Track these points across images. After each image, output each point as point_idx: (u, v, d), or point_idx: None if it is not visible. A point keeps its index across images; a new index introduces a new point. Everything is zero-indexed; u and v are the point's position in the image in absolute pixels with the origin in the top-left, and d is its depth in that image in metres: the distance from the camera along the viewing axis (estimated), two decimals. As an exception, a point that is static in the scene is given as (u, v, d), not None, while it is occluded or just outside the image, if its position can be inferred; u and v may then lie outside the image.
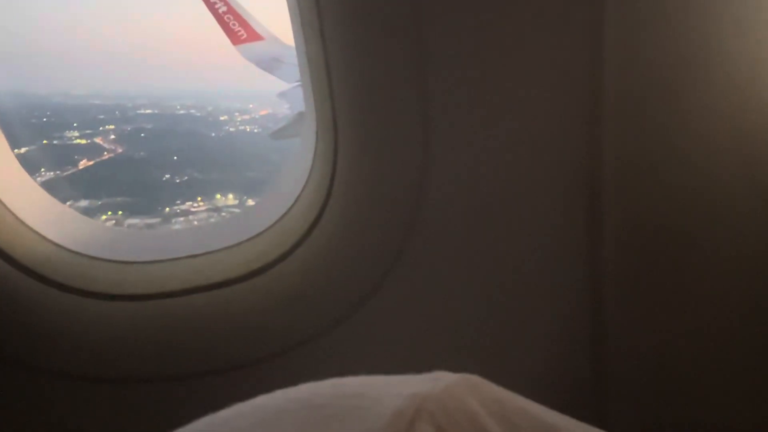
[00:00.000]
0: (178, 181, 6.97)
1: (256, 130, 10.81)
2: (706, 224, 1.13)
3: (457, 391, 0.39)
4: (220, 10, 6.92)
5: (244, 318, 1.18)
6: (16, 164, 1.32)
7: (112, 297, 1.18)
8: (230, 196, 6.46)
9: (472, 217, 1.13)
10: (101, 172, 6.89)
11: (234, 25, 6.93)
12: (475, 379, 0.41)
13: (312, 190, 1.19)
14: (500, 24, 1.05)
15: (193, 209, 6.00)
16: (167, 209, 5.97)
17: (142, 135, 8.82)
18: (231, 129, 10.23)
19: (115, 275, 1.22)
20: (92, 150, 7.62)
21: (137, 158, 7.60)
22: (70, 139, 7.86)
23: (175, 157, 7.70)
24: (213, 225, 1.55)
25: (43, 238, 1.23)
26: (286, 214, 1.23)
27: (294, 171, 1.30)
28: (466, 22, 1.05)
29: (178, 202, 6.16)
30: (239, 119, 10.96)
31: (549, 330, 1.20)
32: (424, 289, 1.16)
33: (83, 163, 6.89)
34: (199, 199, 6.31)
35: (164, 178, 6.96)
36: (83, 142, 7.80)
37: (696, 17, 1.04)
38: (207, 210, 6.01)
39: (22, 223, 1.22)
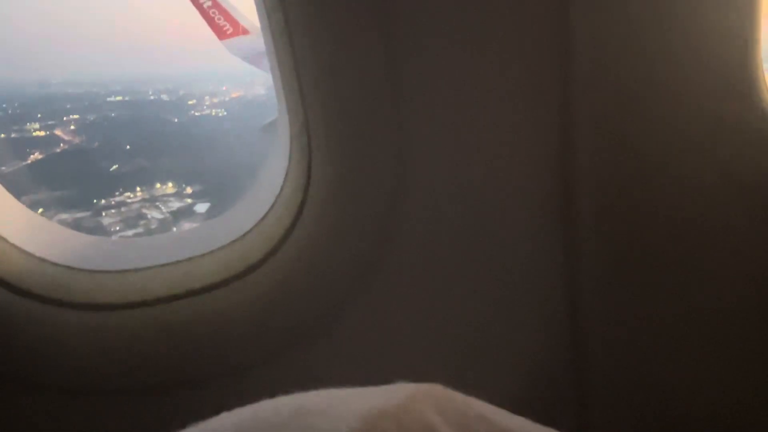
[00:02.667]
0: (125, 171, 7.14)
1: (221, 114, 10.89)
2: (684, 218, 1.14)
3: (415, 404, 0.39)
4: (205, 5, 6.94)
5: (226, 324, 1.18)
6: None
7: (92, 307, 1.18)
8: (169, 184, 6.60)
9: (449, 219, 1.14)
10: (49, 165, 7.08)
11: (219, 19, 6.95)
12: (436, 390, 0.41)
13: (289, 194, 1.20)
14: (472, 26, 1.06)
15: (128, 200, 6.16)
16: (103, 201, 6.14)
17: (105, 124, 8.99)
18: (196, 113, 10.34)
19: (94, 285, 1.21)
20: (49, 142, 7.81)
21: (90, 149, 7.77)
22: (29, 131, 8.06)
23: (128, 146, 7.85)
24: (192, 231, 1.47)
25: (20, 250, 1.21)
26: (264, 217, 1.23)
27: (270, 174, 1.29)
28: (437, 27, 1.05)
29: (117, 193, 6.33)
30: (208, 102, 11.04)
31: (528, 328, 1.21)
32: (405, 284, 1.16)
33: (33, 157, 7.08)
34: (138, 189, 6.47)
35: (112, 169, 7.12)
36: (42, 134, 7.99)
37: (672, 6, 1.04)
38: (141, 201, 6.16)
39: None
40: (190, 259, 1.23)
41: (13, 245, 1.21)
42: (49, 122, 8.77)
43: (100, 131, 8.69)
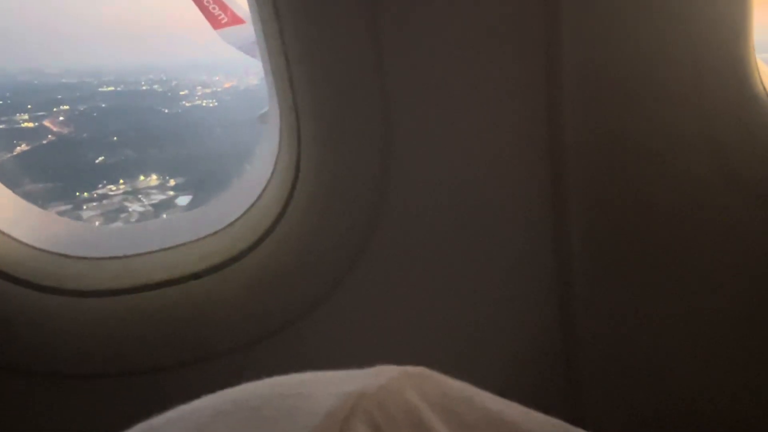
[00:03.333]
0: (111, 162, 7.16)
1: (212, 105, 10.88)
2: (676, 209, 1.12)
3: (397, 385, 0.38)
4: (200, -5, 6.94)
5: (217, 309, 1.17)
6: None
7: (85, 293, 1.17)
8: (153, 176, 6.63)
9: (437, 208, 1.13)
10: (35, 157, 7.12)
11: (214, 9, 6.94)
12: (418, 372, 0.40)
13: (278, 182, 1.18)
14: (461, 18, 1.05)
15: (110, 193, 6.19)
16: (85, 194, 6.18)
17: (95, 114, 9.00)
18: (187, 104, 10.34)
19: (86, 272, 1.20)
20: (37, 133, 7.84)
21: (78, 140, 7.80)
22: (18, 122, 8.09)
23: (115, 138, 7.87)
24: (181, 218, 1.52)
25: (11, 238, 1.21)
26: (254, 204, 1.22)
27: (261, 161, 1.27)
28: (427, 19, 1.05)
29: (100, 186, 6.37)
30: (200, 93, 11.03)
31: (517, 318, 1.19)
32: (392, 274, 1.16)
33: (20, 149, 7.12)
34: (120, 181, 6.50)
35: (97, 161, 7.15)
36: (30, 125, 8.02)
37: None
38: (123, 193, 6.19)
39: None
40: (179, 246, 1.23)
41: (3, 233, 1.20)
42: (39, 113, 8.79)
43: (90, 122, 8.71)
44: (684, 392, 1.20)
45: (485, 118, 1.09)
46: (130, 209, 5.96)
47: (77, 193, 6.18)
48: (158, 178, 6.64)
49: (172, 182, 6.63)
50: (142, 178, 6.63)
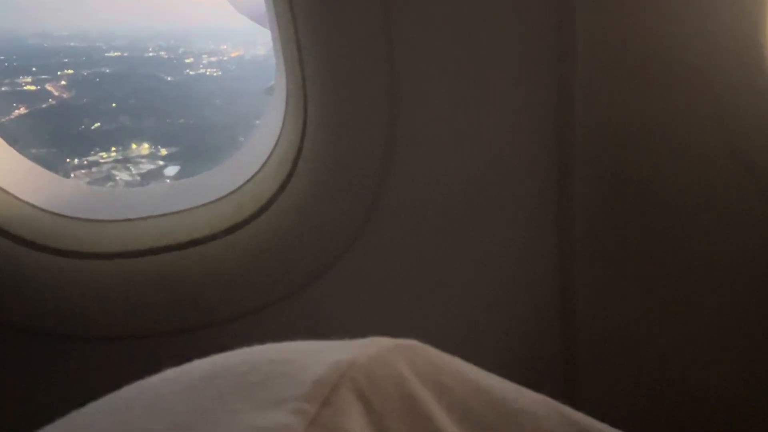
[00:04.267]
0: (106, 129, 7.22)
1: (216, 74, 10.85)
2: (683, 193, 1.13)
3: (387, 356, 0.39)
4: (212, -38, 6.86)
5: (219, 276, 1.22)
6: None
7: (90, 256, 1.23)
8: (145, 145, 6.68)
9: (441, 181, 1.14)
10: (32, 121, 7.20)
11: None
12: (410, 345, 0.41)
13: (283, 150, 1.22)
14: (472, 9, 1.06)
15: (100, 160, 6.25)
16: (76, 161, 6.25)
17: (97, 80, 9.04)
18: (191, 72, 10.32)
19: (92, 234, 1.26)
20: (38, 97, 7.91)
21: (77, 105, 7.86)
22: (21, 85, 8.16)
23: (114, 104, 7.92)
24: (186, 183, 1.54)
25: (13, 196, 1.27)
26: (258, 171, 1.26)
27: (265, 131, 1.31)
28: (434, 8, 1.07)
29: (92, 153, 6.43)
30: (205, 61, 11.00)
31: (516, 296, 1.21)
32: (392, 253, 1.19)
33: (18, 112, 7.20)
34: (113, 149, 6.56)
35: (93, 127, 7.21)
36: (32, 88, 8.08)
37: None
38: (113, 161, 6.24)
39: None
40: (186, 210, 1.26)
41: (12, 195, 1.26)
42: (43, 76, 8.84)
43: (92, 87, 8.74)
44: (686, 390, 1.20)
45: (495, 101, 1.08)
46: (117, 178, 6.02)
47: (67, 160, 6.25)
48: (150, 147, 6.68)
49: (163, 152, 6.67)
50: (134, 146, 6.68)
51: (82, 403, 0.45)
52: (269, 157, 1.25)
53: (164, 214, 1.27)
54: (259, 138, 1.33)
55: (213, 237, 1.20)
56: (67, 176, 5.94)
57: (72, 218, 1.25)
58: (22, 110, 7.56)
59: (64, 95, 8.96)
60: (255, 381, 0.37)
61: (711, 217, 1.11)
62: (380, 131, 1.10)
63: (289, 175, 1.17)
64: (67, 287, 1.20)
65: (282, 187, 1.18)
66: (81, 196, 1.36)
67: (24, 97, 8.16)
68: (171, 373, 0.40)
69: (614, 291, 1.17)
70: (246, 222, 1.20)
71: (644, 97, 1.06)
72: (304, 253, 1.19)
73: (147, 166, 6.29)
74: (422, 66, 1.07)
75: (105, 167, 6.16)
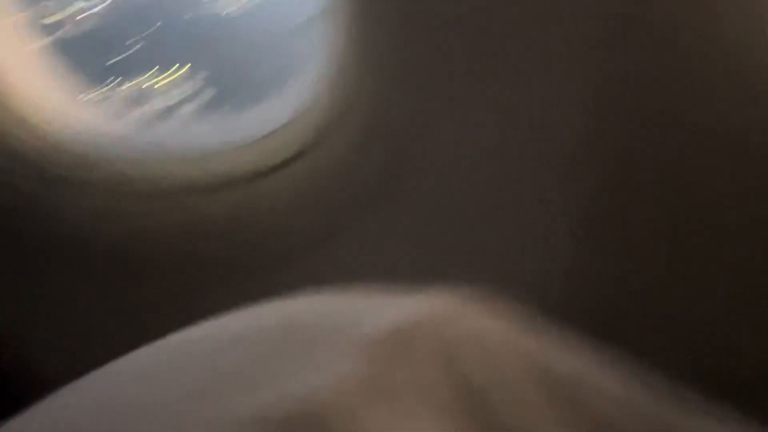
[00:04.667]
0: (133, 57, 7.02)
1: (247, 6, 10.61)
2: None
3: (440, 316, 0.38)
4: None
5: (261, 215, 1.24)
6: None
7: (149, 194, 1.25)
8: (171, 73, 6.49)
9: (471, 158, 1.19)
10: (76, 39, 7.02)
11: None
12: (459, 306, 0.40)
13: (324, 96, 1.23)
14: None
15: (121, 90, 6.09)
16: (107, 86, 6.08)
17: (127, 7, 8.84)
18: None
19: (150, 172, 1.27)
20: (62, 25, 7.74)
21: (97, 36, 7.64)
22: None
23: (135, 35, 7.69)
24: (228, 119, 1.55)
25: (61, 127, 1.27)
26: (296, 115, 1.27)
27: (309, 72, 1.32)
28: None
29: (113, 83, 6.24)
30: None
31: (534, 250, 1.25)
32: (429, 192, 1.22)
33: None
34: (134, 79, 6.37)
35: (111, 62, 7.03)
36: (84, 4, 7.93)
37: None
38: (139, 88, 6.07)
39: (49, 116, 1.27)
40: (231, 148, 1.28)
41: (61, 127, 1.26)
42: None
43: (120, 16, 8.51)
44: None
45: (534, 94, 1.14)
46: (145, 104, 5.84)
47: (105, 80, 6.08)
48: (185, 73, 6.47)
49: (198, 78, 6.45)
50: (156, 77, 6.46)
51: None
52: (309, 101, 1.23)
53: (204, 153, 1.27)
54: (298, 81, 1.31)
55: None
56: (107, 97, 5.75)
57: (127, 158, 1.26)
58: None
59: (101, 20, 8.79)
60: (308, 338, 0.35)
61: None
62: (431, 99, 1.15)
63: (330, 121, 1.18)
64: (123, 222, 1.24)
65: (322, 132, 1.19)
66: (129, 130, 1.43)
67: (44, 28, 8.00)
68: (215, 324, 0.38)
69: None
70: (285, 164, 1.21)
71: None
72: (343, 196, 1.21)
73: (181, 91, 6.07)
74: (478, 48, 1.12)
75: (130, 92, 5.97)
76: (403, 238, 1.23)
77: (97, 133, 1.30)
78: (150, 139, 1.36)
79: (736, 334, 1.23)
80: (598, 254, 1.24)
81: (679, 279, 1.22)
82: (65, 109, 1.32)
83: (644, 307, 1.25)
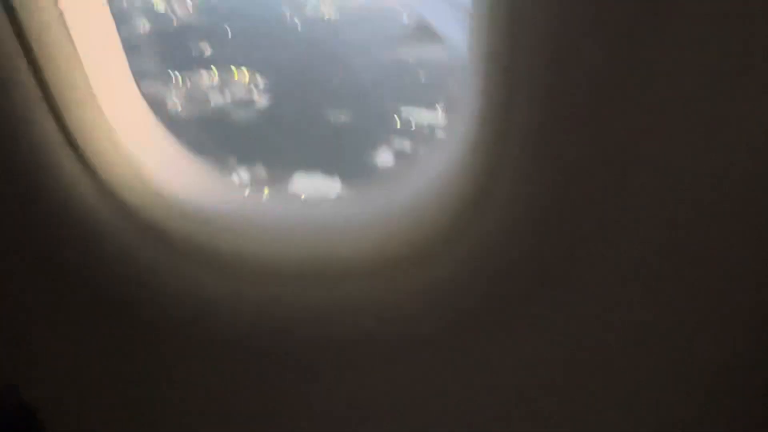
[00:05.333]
0: (210, 54, 7.61)
1: (331, 18, 10.95)
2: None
3: None
4: None
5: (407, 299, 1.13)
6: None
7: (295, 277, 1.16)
8: (244, 72, 6.92)
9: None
10: (148, 38, 7.69)
11: None
12: None
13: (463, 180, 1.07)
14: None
15: (199, 82, 6.62)
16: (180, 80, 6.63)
17: (222, 4, 9.44)
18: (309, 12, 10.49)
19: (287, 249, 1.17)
20: (162, 17, 8.45)
21: (194, 29, 8.30)
22: (152, 3, 8.73)
23: (229, 33, 8.28)
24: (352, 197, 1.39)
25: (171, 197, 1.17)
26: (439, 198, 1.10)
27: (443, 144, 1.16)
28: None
29: (193, 75, 6.82)
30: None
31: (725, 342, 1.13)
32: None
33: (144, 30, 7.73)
34: (212, 73, 6.91)
35: (197, 53, 7.58)
36: (162, 9, 8.64)
37: None
38: (211, 84, 6.57)
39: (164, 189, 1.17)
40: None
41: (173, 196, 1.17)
42: (176, -4, 9.38)
43: (214, 11, 9.13)
44: None
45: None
46: (210, 99, 6.37)
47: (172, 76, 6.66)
48: (248, 75, 6.96)
49: (258, 82, 6.95)
50: (234, 71, 6.98)
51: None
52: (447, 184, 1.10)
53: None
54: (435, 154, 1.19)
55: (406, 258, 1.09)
56: (167, 89, 6.37)
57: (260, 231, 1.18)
58: (146, 29, 8.11)
59: (188, 17, 9.46)
60: None
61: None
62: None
63: (477, 207, 1.03)
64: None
65: (472, 218, 1.05)
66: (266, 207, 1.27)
67: (152, 16, 8.72)
68: None
69: None
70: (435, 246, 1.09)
71: None
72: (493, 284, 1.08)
73: (239, 93, 6.58)
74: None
75: (203, 87, 6.53)
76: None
77: (224, 207, 1.19)
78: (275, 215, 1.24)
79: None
80: None
81: None
82: (196, 184, 1.23)
83: None
